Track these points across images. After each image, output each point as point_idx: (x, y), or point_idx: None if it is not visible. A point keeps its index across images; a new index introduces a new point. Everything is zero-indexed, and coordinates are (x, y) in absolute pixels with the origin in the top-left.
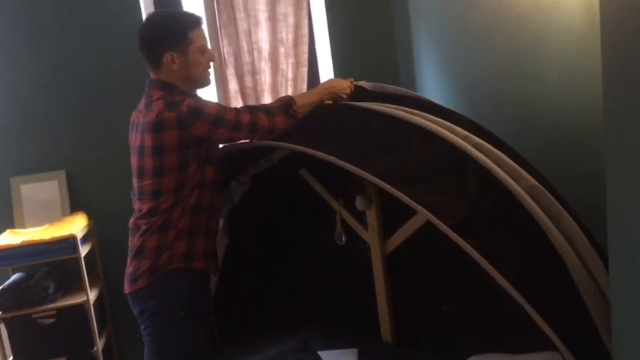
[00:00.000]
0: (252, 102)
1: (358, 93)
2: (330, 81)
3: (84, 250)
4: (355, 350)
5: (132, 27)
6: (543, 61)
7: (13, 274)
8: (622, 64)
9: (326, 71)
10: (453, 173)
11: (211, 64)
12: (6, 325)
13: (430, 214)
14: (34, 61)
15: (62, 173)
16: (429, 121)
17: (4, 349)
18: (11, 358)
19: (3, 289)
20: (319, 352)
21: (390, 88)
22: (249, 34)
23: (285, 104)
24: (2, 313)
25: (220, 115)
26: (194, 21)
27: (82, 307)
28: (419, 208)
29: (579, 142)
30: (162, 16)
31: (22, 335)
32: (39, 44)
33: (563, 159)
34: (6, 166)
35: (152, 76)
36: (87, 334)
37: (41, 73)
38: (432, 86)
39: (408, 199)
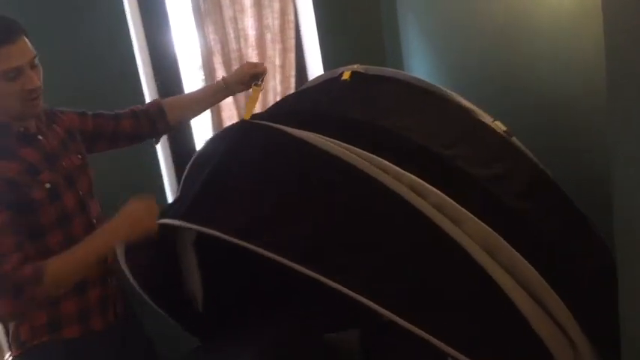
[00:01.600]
0: None
1: (356, 78)
2: (125, 215)
3: None
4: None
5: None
6: (535, 39)
7: None
8: (625, 48)
9: (313, 56)
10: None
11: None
12: None
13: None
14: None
15: None
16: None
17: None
18: None
19: None
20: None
21: (385, 70)
22: (234, 21)
23: (19, 285)
24: None
25: None
26: (2, 37)
27: None
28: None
29: (575, 121)
30: None
31: None
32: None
33: (557, 139)
34: None
35: None
36: None
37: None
38: (421, 68)
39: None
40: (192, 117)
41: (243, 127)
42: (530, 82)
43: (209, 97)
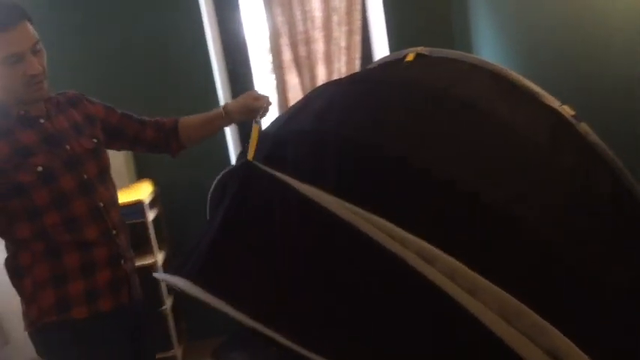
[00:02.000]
0: (306, 71)
1: (418, 60)
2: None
3: (151, 215)
4: None
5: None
6: (610, 22)
7: None
8: None
9: (380, 38)
10: None
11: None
12: None
13: None
14: (102, 42)
15: None
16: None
17: None
18: None
19: None
20: None
21: (450, 52)
22: (302, 2)
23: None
24: None
25: None
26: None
27: (152, 267)
28: None
29: None
30: None
31: None
32: (105, 30)
33: (633, 126)
34: None
35: None
36: (156, 294)
37: (116, 50)
38: (489, 51)
39: None
40: (202, 138)
41: (246, 172)
42: (604, 64)
43: (210, 124)
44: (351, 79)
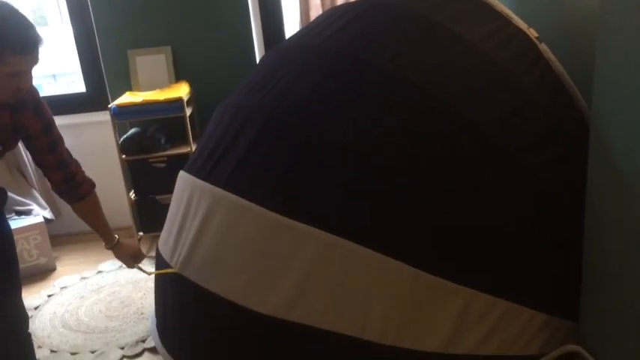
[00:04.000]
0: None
1: None
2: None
3: (188, 111)
4: None
5: None
6: None
7: (130, 128)
8: None
9: None
10: None
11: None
12: (129, 166)
13: None
14: None
15: (168, 48)
16: None
17: (128, 185)
18: (132, 191)
19: (126, 137)
20: None
21: None
22: None
23: None
24: (126, 156)
25: None
26: (20, 47)
27: (186, 156)
28: None
29: None
30: (3, 15)
31: (141, 175)
32: None
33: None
34: (125, 40)
35: None
36: None
37: None
38: None
39: None
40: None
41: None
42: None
43: (99, 230)
44: (361, 2)
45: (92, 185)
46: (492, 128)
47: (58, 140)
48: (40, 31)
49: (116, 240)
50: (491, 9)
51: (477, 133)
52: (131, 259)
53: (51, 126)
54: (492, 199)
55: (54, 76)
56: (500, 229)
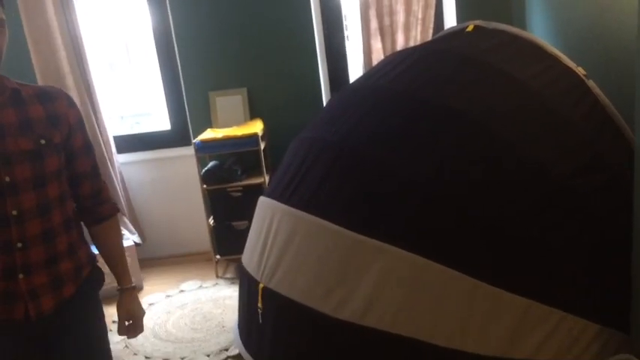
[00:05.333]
0: (388, 38)
1: (478, 33)
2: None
3: (262, 145)
4: None
5: None
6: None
7: (210, 161)
8: None
9: (450, 12)
10: None
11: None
12: (209, 195)
13: None
14: (229, 5)
15: (245, 90)
16: None
17: (208, 212)
18: (211, 218)
19: (207, 169)
20: None
21: (501, 25)
22: None
23: None
24: (207, 186)
25: None
26: None
27: (260, 186)
28: None
29: None
30: None
31: (219, 203)
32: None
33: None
34: (207, 83)
35: None
36: None
37: (233, 16)
38: (538, 26)
39: None
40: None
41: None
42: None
43: (111, 266)
44: (421, 47)
45: (115, 208)
46: (543, 156)
47: (90, 143)
48: (109, 75)
49: (131, 286)
50: (542, 50)
51: (530, 161)
52: (126, 317)
53: (83, 122)
54: (546, 219)
55: (122, 117)
56: (555, 246)
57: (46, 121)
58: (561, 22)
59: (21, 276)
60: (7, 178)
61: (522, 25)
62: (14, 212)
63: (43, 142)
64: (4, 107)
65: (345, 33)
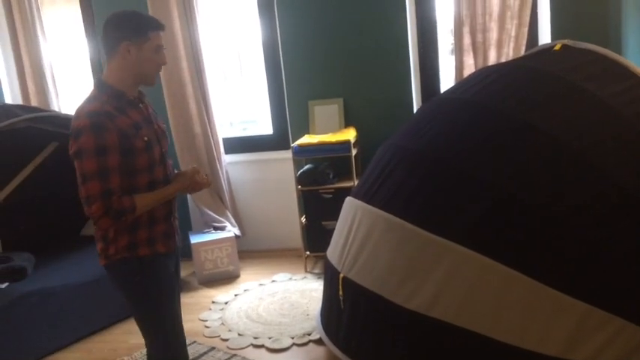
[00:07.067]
0: (480, 54)
1: (565, 52)
2: (179, 183)
3: (354, 152)
4: None
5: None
6: None
7: (306, 164)
8: None
9: (544, 30)
10: None
11: (162, 67)
12: (302, 195)
13: None
14: (331, 22)
15: (341, 100)
16: None
17: (301, 211)
18: (304, 217)
19: (302, 172)
20: None
21: (589, 45)
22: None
23: (120, 212)
24: (301, 187)
25: (86, 178)
26: (156, 24)
27: (350, 189)
28: None
29: None
30: (129, 12)
31: (311, 203)
32: (328, 11)
33: None
34: (307, 93)
35: (104, 70)
36: None
37: (333, 31)
38: (634, 46)
39: None
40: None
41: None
42: None
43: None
44: (507, 63)
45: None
46: (614, 171)
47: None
48: (223, 85)
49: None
50: (627, 70)
51: (599, 173)
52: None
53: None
54: (611, 230)
55: (231, 123)
56: (618, 255)
57: (154, 112)
58: None
59: (171, 218)
60: (162, 149)
61: (618, 44)
62: (169, 172)
63: (164, 125)
64: (145, 104)
65: (439, 48)
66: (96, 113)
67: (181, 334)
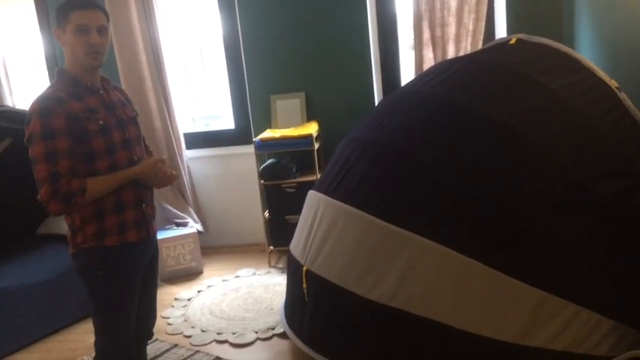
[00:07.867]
0: (439, 48)
1: (520, 46)
2: (140, 166)
3: (316, 145)
4: None
5: None
6: None
7: (268, 158)
8: None
9: (500, 25)
10: None
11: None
12: (265, 190)
13: None
14: (291, 17)
15: (303, 94)
16: None
17: (264, 206)
18: (267, 211)
19: (265, 166)
20: None
21: (543, 40)
22: None
23: (69, 195)
24: (264, 181)
25: (35, 162)
26: (76, 3)
27: (313, 183)
28: None
29: None
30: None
31: (274, 198)
32: (289, 5)
33: None
34: (269, 87)
35: None
36: None
37: (294, 26)
38: (585, 40)
39: None
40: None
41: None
42: None
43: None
44: (463, 57)
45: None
46: (567, 160)
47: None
48: (184, 79)
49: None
50: (579, 63)
51: (553, 163)
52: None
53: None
54: (566, 218)
55: (193, 118)
56: (572, 243)
57: (127, 102)
58: (604, 38)
59: (143, 205)
60: (127, 135)
61: (570, 39)
62: (135, 158)
63: (135, 113)
64: (108, 90)
65: (399, 42)
66: (45, 98)
67: (132, 332)
